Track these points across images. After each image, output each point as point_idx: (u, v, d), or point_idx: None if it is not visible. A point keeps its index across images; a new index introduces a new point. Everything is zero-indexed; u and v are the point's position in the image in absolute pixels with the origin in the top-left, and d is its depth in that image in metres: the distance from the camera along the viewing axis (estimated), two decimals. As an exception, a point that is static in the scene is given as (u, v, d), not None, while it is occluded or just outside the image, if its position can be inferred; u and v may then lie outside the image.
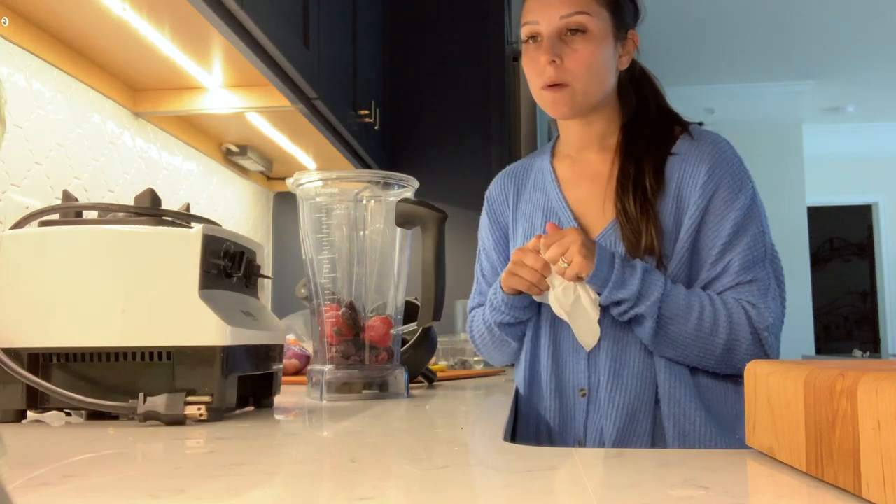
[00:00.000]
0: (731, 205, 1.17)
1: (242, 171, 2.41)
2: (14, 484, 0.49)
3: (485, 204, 1.42)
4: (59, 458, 0.60)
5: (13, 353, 0.81)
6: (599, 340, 1.17)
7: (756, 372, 0.59)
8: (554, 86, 1.20)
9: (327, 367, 1.11)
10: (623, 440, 1.16)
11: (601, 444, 1.18)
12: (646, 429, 1.16)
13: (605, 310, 1.15)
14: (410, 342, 1.37)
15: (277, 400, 1.07)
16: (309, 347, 1.62)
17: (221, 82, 1.72)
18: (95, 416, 0.87)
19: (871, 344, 7.97)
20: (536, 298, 1.20)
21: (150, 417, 0.78)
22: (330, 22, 1.94)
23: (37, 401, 0.82)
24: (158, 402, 0.78)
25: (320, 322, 1.15)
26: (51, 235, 0.85)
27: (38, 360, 0.82)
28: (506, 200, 1.38)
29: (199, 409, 0.79)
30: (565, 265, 1.11)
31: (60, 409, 0.87)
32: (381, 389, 1.13)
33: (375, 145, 2.52)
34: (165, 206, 0.91)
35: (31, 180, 1.42)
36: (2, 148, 0.57)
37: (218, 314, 0.82)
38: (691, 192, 1.18)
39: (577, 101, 1.22)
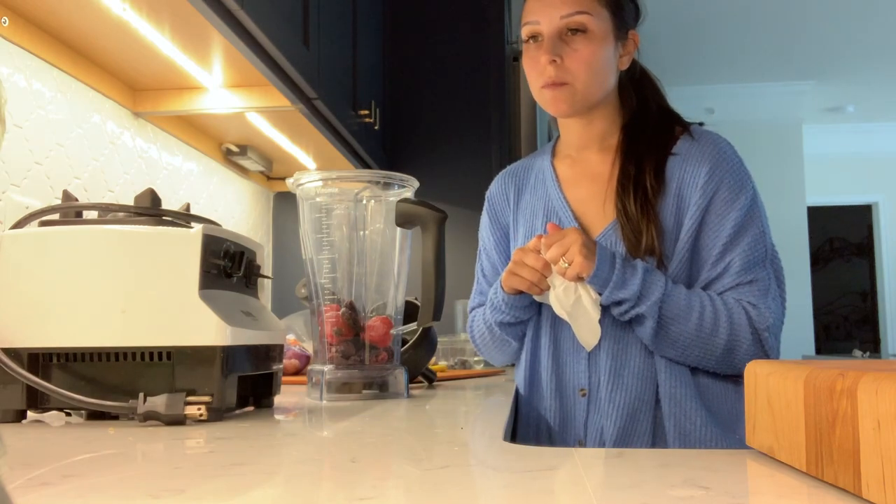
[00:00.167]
0: (731, 205, 1.17)
1: (242, 171, 2.41)
2: (14, 484, 0.49)
3: (485, 204, 1.42)
4: (59, 458, 0.60)
5: (13, 353, 0.81)
6: (600, 340, 1.17)
7: (756, 372, 0.59)
8: (554, 84, 1.21)
9: (327, 367, 1.11)
10: (623, 440, 1.16)
11: (601, 444, 1.18)
12: (646, 429, 1.16)
13: (605, 310, 1.15)
14: (410, 342, 1.37)
15: (277, 400, 1.07)
16: (309, 347, 1.62)
17: (221, 82, 1.72)
18: (95, 416, 0.87)
19: (871, 344, 7.97)
20: (537, 298, 1.20)
21: (150, 417, 0.78)
22: (330, 22, 1.94)
23: (37, 401, 0.82)
24: (158, 402, 0.78)
25: (320, 322, 1.15)
26: (51, 235, 0.85)
27: (38, 360, 0.82)
28: (506, 200, 1.38)
29: (199, 409, 0.79)
30: (566, 265, 1.11)
31: (60, 409, 0.87)
32: (381, 389, 1.13)
33: (375, 145, 2.52)
34: (165, 206, 0.91)
35: (31, 180, 1.42)
36: (2, 148, 0.57)
37: (218, 314, 0.82)
38: (692, 193, 1.18)
39: (577, 100, 1.22)
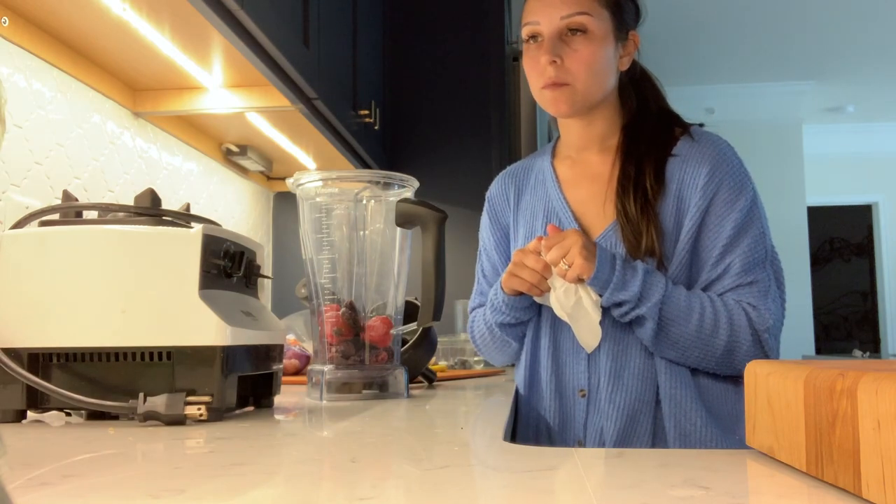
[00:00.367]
0: (731, 206, 1.17)
1: (242, 171, 2.42)
2: (14, 484, 0.49)
3: (486, 204, 1.42)
4: (59, 458, 0.60)
5: (13, 353, 0.81)
6: (600, 342, 1.17)
7: (756, 372, 0.59)
8: (554, 84, 1.21)
9: (327, 367, 1.11)
10: (623, 441, 1.16)
11: (601, 445, 1.18)
12: (646, 430, 1.16)
13: (605, 311, 1.15)
14: (410, 342, 1.37)
15: (277, 400, 1.07)
16: (309, 347, 1.62)
17: (221, 82, 1.72)
18: (95, 416, 0.87)
19: (871, 344, 7.97)
20: (537, 300, 1.20)
21: (150, 417, 0.78)
22: (330, 22, 1.94)
23: (37, 401, 0.82)
24: (158, 402, 0.78)
25: (320, 322, 1.15)
26: (51, 235, 0.85)
27: (38, 360, 0.82)
28: (506, 201, 1.38)
29: (199, 409, 0.79)
30: (566, 267, 1.11)
31: (60, 409, 0.87)
32: (381, 389, 1.13)
33: (375, 145, 2.52)
34: (165, 206, 0.91)
35: (31, 180, 1.42)
36: (2, 148, 0.57)
37: (218, 314, 0.82)
38: (692, 194, 1.18)
39: (578, 101, 1.22)
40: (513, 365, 1.40)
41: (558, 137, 1.38)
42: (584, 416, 1.20)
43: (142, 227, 0.85)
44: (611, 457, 0.64)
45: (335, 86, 1.98)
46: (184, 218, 0.90)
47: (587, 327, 1.15)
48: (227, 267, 0.89)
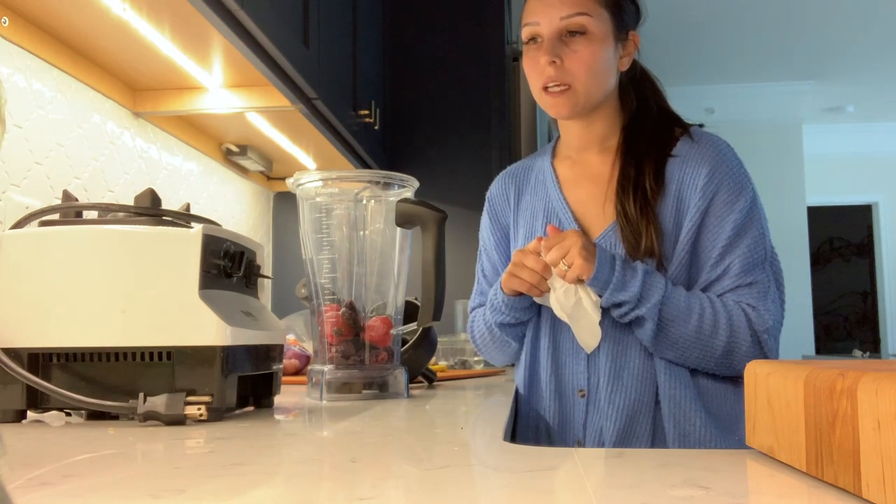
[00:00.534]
0: (731, 207, 1.17)
1: (242, 171, 2.42)
2: (14, 484, 0.49)
3: (486, 204, 1.42)
4: (59, 458, 0.60)
5: (13, 353, 0.81)
6: (600, 342, 1.17)
7: (756, 372, 0.59)
8: (555, 89, 1.21)
9: (327, 367, 1.11)
10: (623, 441, 1.16)
11: (601, 445, 1.18)
12: (646, 430, 1.16)
13: (605, 311, 1.15)
14: (410, 342, 1.37)
15: (277, 400, 1.07)
16: (309, 347, 1.62)
17: (221, 82, 1.72)
18: (95, 416, 0.87)
19: (871, 344, 7.97)
20: (537, 300, 1.20)
21: (150, 417, 0.78)
22: (330, 22, 1.94)
23: (37, 401, 0.82)
24: (158, 402, 0.78)
25: (320, 322, 1.15)
26: (51, 235, 0.85)
27: (38, 360, 0.82)
28: (507, 201, 1.38)
29: (199, 409, 0.79)
30: (566, 267, 1.11)
31: (60, 409, 0.87)
32: (381, 389, 1.13)
33: (375, 145, 2.52)
34: (165, 206, 0.91)
35: (31, 180, 1.42)
36: (2, 148, 0.57)
37: (218, 314, 0.82)
38: (691, 195, 1.18)
39: (578, 103, 1.22)
40: (513, 365, 1.40)
41: (558, 137, 1.38)
42: (584, 417, 1.20)
43: (142, 227, 0.85)
44: (611, 457, 0.64)
45: (335, 86, 1.98)
46: (184, 218, 0.90)
47: (587, 328, 1.15)
48: (227, 267, 0.89)
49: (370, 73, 2.47)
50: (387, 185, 1.18)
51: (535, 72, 1.23)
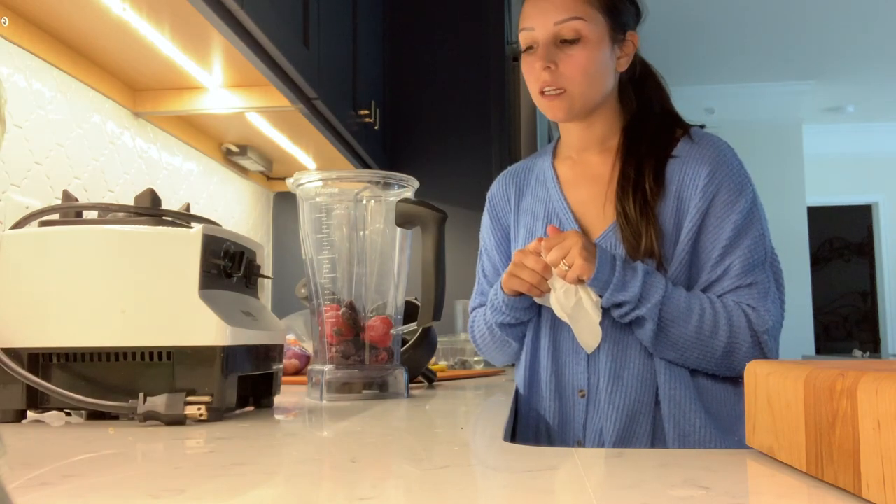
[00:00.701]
0: (731, 208, 1.17)
1: (242, 171, 2.41)
2: (14, 484, 0.49)
3: (486, 204, 1.42)
4: (59, 458, 0.60)
5: (13, 353, 0.81)
6: (600, 342, 1.17)
7: (756, 372, 0.59)
8: (551, 93, 1.21)
9: (327, 367, 1.11)
10: (623, 441, 1.16)
11: (601, 445, 1.18)
12: (646, 430, 1.16)
13: (605, 312, 1.15)
14: (410, 342, 1.37)
15: (277, 400, 1.07)
16: (309, 347, 1.62)
17: (221, 82, 1.72)
18: (95, 416, 0.87)
19: (871, 344, 7.97)
20: (537, 300, 1.20)
21: (150, 417, 0.78)
22: (330, 22, 1.94)
23: (37, 401, 0.82)
24: (158, 402, 0.78)
25: (320, 322, 1.15)
26: (51, 235, 0.85)
27: (38, 360, 0.82)
28: (507, 201, 1.38)
29: (199, 409, 0.79)
30: (566, 268, 1.11)
31: (60, 409, 0.87)
32: (381, 389, 1.13)
33: (375, 145, 2.52)
34: (165, 206, 0.91)
35: (31, 180, 1.42)
36: (2, 148, 0.57)
37: (218, 314, 0.82)
38: (692, 195, 1.18)
39: (575, 106, 1.22)
40: (513, 365, 1.40)
41: (559, 138, 1.38)
42: (584, 417, 1.20)
43: (142, 227, 0.85)
44: (611, 457, 0.64)
45: (335, 86, 1.98)
46: (184, 218, 0.90)
47: (587, 328, 1.15)
48: (227, 267, 0.89)
49: (370, 73, 2.47)
50: (387, 185, 1.18)
51: (532, 77, 1.24)
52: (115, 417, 0.86)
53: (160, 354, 0.81)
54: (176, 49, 1.50)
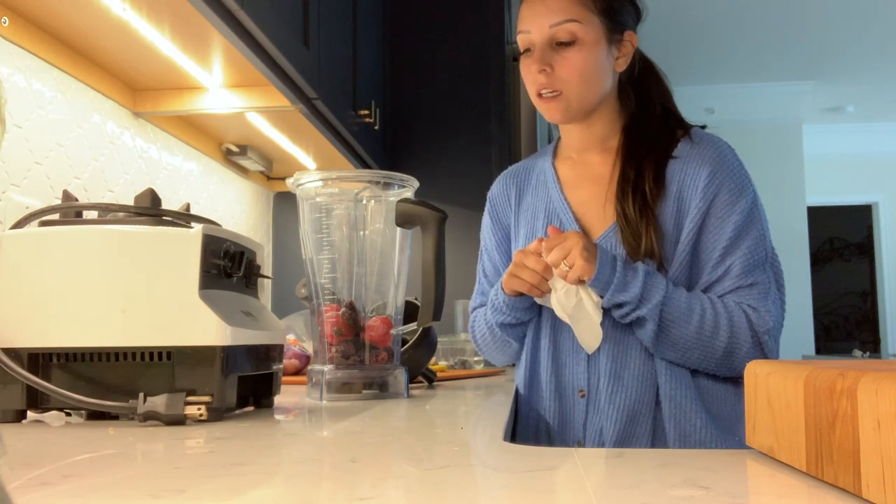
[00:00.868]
0: (732, 208, 1.17)
1: (242, 171, 2.41)
2: (14, 484, 0.49)
3: (487, 204, 1.42)
4: (59, 458, 0.60)
5: (13, 353, 0.81)
6: (600, 342, 1.17)
7: (756, 372, 0.59)
8: (548, 95, 1.21)
9: (327, 367, 1.11)
10: (623, 441, 1.16)
11: (601, 445, 1.18)
12: (646, 430, 1.16)
13: (606, 312, 1.15)
14: (410, 342, 1.37)
15: (277, 400, 1.07)
16: (309, 347, 1.62)
17: (221, 82, 1.72)
18: (95, 416, 0.87)
19: (871, 344, 7.97)
20: (538, 301, 1.20)
21: (150, 417, 0.78)
22: (330, 22, 1.94)
23: (37, 401, 0.82)
24: (158, 402, 0.78)
25: (320, 322, 1.15)
26: (51, 235, 0.85)
27: (38, 360, 0.82)
28: (508, 201, 1.38)
29: (199, 409, 0.79)
30: (567, 268, 1.11)
31: (60, 409, 0.87)
32: (381, 389, 1.13)
33: (375, 145, 2.52)
34: (165, 206, 0.91)
35: (31, 180, 1.42)
36: (2, 148, 0.57)
37: (218, 314, 0.82)
38: (692, 196, 1.18)
39: (572, 108, 1.23)
40: (513, 365, 1.40)
41: (559, 138, 1.38)
42: (584, 417, 1.20)
43: (142, 227, 0.85)
44: (611, 457, 0.64)
45: (335, 86, 1.98)
46: (184, 218, 0.90)
47: (588, 328, 1.15)
48: (227, 267, 0.89)
49: (370, 73, 2.47)
50: (387, 185, 1.18)
51: (529, 79, 1.24)
52: (115, 417, 0.86)
53: (160, 354, 0.81)
54: (176, 49, 1.50)
